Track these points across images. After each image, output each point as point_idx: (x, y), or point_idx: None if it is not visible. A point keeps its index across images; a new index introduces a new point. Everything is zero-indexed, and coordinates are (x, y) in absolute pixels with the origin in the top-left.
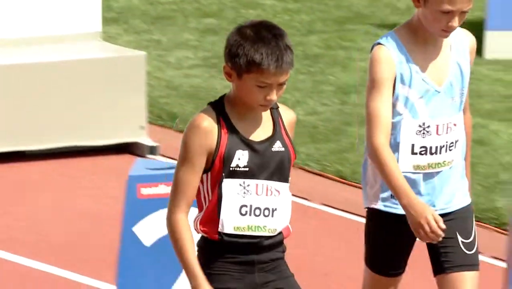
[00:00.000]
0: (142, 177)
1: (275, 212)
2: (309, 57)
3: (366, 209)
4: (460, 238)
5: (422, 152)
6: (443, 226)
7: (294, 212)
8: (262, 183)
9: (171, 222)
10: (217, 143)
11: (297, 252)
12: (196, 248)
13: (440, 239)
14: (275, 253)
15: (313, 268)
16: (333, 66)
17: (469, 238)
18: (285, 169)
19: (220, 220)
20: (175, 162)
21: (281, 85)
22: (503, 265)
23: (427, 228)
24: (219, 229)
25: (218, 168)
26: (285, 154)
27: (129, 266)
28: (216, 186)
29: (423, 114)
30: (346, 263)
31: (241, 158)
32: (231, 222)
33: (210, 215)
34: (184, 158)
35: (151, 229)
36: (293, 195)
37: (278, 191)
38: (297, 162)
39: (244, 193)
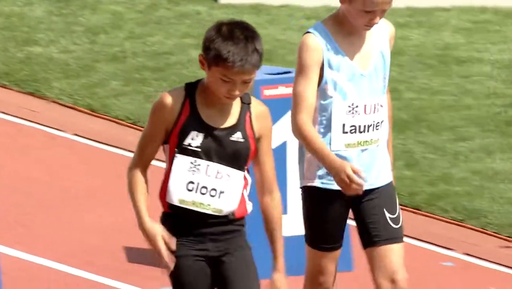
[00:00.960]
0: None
1: (222, 194)
2: (61, 0)
3: (302, 189)
4: (387, 214)
5: (352, 131)
6: (363, 175)
7: (46, 141)
8: (214, 165)
9: (128, 176)
10: (175, 120)
11: (48, 179)
12: (145, 199)
13: (362, 189)
14: (228, 226)
15: (64, 194)
16: (84, 8)
17: (395, 213)
18: (241, 159)
19: (168, 190)
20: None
21: (245, 82)
22: None
23: (347, 180)
24: (167, 199)
25: (173, 143)
26: (244, 145)
27: None
28: (170, 160)
29: (352, 96)
30: (95, 187)
31: (194, 139)
32: (176, 195)
33: (166, 185)
34: (148, 125)
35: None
36: (44, 125)
37: (229, 176)
38: (50, 96)
39: (194, 171)
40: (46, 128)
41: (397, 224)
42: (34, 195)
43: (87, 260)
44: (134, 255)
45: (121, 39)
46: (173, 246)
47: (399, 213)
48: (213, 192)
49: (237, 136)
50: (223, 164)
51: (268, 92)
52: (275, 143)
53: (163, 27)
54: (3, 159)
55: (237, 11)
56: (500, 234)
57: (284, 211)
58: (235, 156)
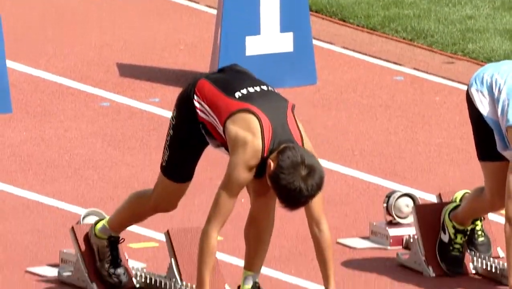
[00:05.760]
0: None
1: None
2: None
3: None
4: None
5: None
6: None
7: None
8: None
9: (206, 240)
10: None
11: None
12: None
13: None
14: None
15: (64, 14)
16: None
17: None
18: None
19: None
20: None
21: None
22: None
23: None
24: None
25: None
26: None
27: None
28: None
29: None
30: (91, 11)
31: None
32: None
33: None
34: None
35: None
36: None
37: None
38: None
39: None
40: None
41: None
42: (39, 11)
43: (85, 74)
44: (126, 70)
45: None
46: None
47: None
48: None
49: None
50: None
51: None
52: None
53: None
54: None
55: None
56: (444, 52)
57: (258, 32)
58: None
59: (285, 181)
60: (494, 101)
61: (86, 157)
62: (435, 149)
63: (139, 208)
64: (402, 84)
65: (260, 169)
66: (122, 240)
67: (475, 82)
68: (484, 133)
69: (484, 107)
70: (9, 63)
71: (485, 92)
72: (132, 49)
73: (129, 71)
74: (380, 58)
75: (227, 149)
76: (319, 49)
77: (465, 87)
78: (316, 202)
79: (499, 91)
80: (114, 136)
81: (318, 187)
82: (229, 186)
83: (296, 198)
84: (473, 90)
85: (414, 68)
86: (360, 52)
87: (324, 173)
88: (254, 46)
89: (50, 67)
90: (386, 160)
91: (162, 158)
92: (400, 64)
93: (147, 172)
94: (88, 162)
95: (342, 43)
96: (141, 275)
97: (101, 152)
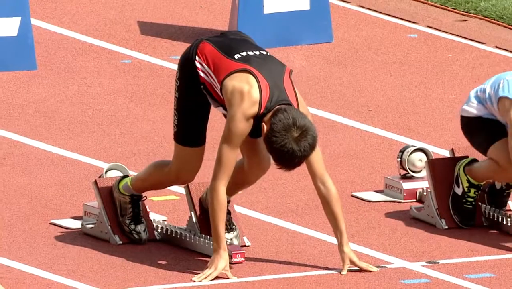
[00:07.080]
0: None
1: None
2: None
3: None
4: None
5: None
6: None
7: None
8: None
9: (217, 191)
10: None
11: None
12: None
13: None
14: None
15: None
16: None
17: None
18: None
19: None
20: None
21: None
22: None
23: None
24: None
25: None
26: None
27: None
28: None
29: None
30: None
31: None
32: None
33: None
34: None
35: None
36: None
37: None
38: None
39: None
40: None
41: None
42: None
43: (107, 32)
44: (147, 28)
45: None
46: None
47: None
48: None
49: None
50: None
51: None
52: None
53: None
54: None
55: None
56: (457, 10)
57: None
58: None
59: (278, 144)
60: (484, 104)
61: (108, 112)
62: (448, 105)
63: (160, 179)
64: (416, 42)
65: (256, 129)
66: (145, 198)
67: (465, 104)
68: (487, 129)
69: (480, 111)
70: (34, 21)
71: (475, 103)
72: (153, 8)
73: (149, 29)
74: (394, 16)
75: (225, 109)
76: (335, 7)
77: (477, 45)
78: (317, 160)
79: (484, 93)
80: (135, 92)
81: (311, 147)
82: (229, 138)
83: (290, 159)
84: (464, 108)
85: (428, 26)
86: (375, 10)
87: (317, 133)
88: (272, 4)
89: (73, 25)
90: (400, 115)
91: (173, 124)
92: (414, 22)
93: (167, 127)
94: (110, 118)
95: (358, 2)
96: (162, 228)
97: (123, 108)
